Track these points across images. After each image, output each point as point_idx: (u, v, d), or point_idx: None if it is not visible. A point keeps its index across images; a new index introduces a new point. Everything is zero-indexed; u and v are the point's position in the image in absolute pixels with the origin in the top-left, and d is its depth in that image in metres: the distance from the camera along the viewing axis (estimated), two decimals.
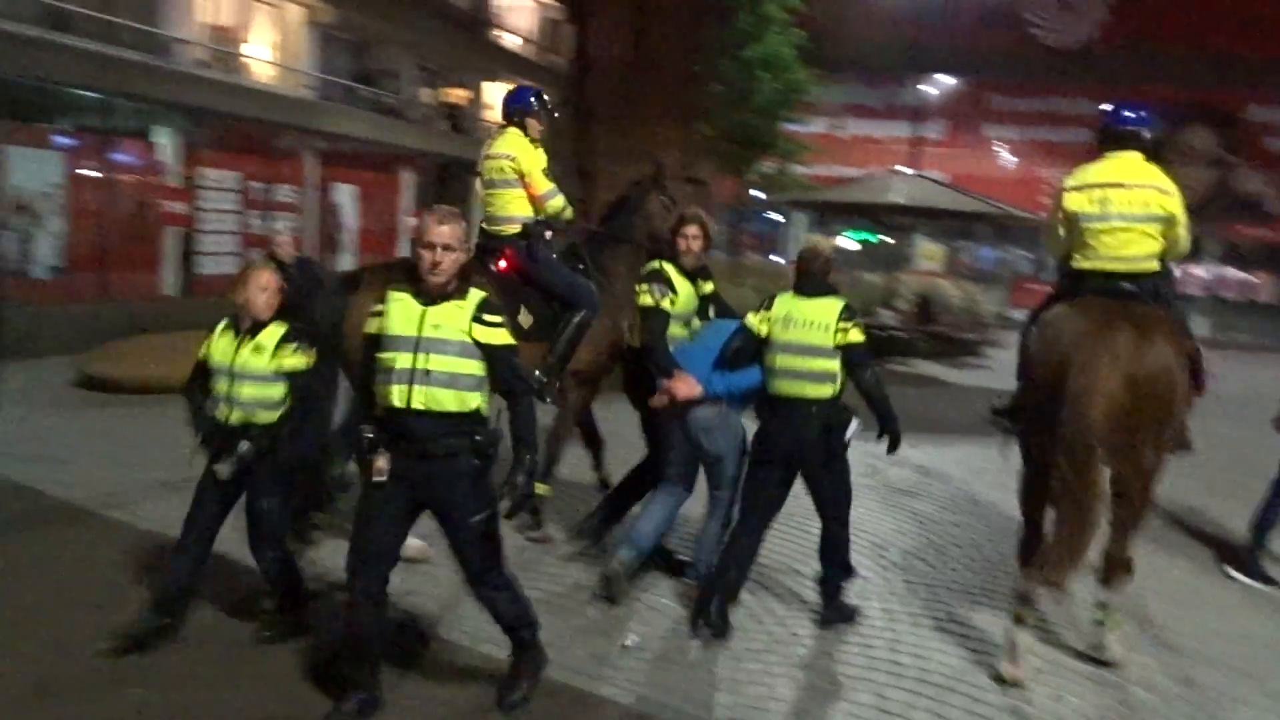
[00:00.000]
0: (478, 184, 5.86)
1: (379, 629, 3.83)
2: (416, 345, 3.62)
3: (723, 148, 17.16)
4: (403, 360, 3.62)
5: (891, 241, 21.57)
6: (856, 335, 4.58)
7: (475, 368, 3.68)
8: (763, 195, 17.78)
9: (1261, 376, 14.17)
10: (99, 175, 14.78)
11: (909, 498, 7.46)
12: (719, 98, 16.96)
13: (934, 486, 7.87)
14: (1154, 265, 4.57)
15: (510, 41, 28.68)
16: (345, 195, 21.48)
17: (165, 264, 15.98)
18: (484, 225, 5.82)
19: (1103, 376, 4.11)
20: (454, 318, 3.67)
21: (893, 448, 4.70)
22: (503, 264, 5.63)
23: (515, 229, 5.64)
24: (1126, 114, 4.90)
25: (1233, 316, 26.73)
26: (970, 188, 23.86)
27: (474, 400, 3.70)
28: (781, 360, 4.63)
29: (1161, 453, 4.44)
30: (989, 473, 8.38)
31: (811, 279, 4.72)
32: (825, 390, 4.58)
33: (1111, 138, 4.80)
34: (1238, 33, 26.36)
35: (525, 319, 5.40)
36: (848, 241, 28.24)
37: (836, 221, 28.45)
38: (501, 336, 3.73)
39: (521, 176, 5.58)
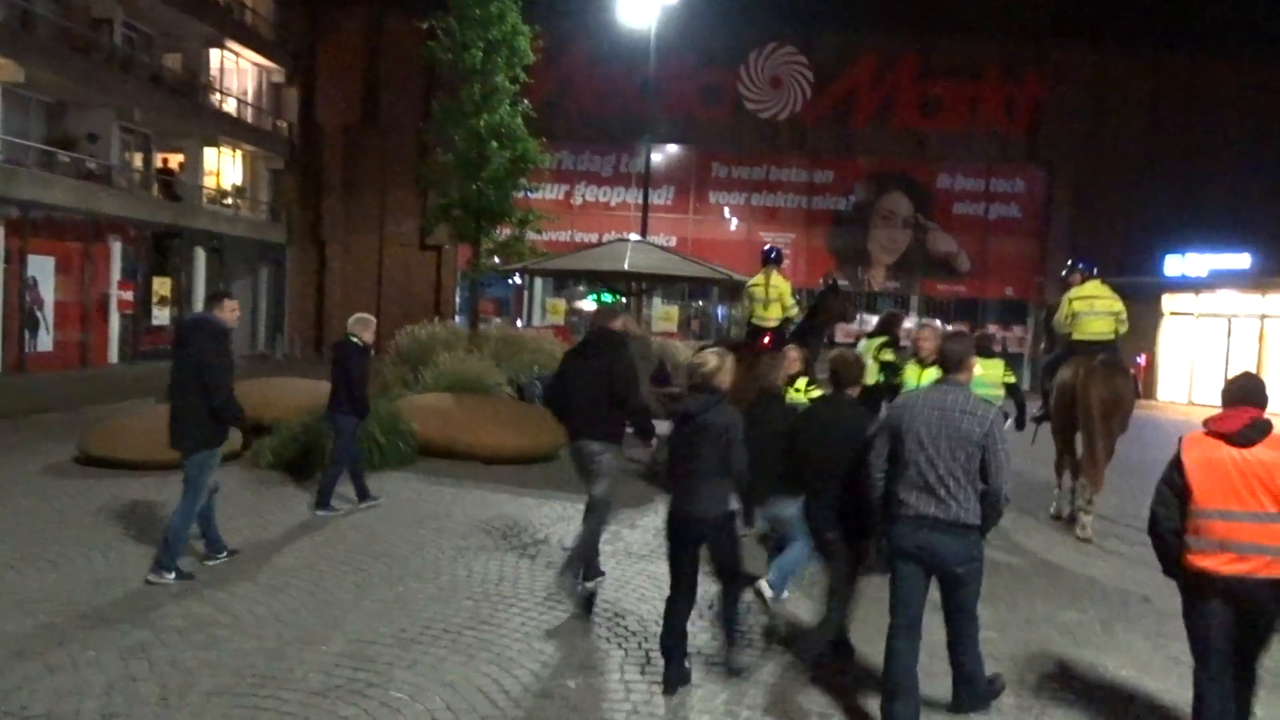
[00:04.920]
0: (746, 297, 10.65)
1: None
2: None
3: (457, 215, 17.05)
4: None
5: (624, 302, 22.14)
6: (1011, 376, 8.34)
7: None
8: (497, 261, 17.78)
9: None
10: None
11: (646, 561, 7.55)
12: (451, 167, 16.89)
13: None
14: (1112, 336, 9.25)
15: (230, 105, 27.43)
16: (41, 267, 19.62)
17: None
18: (752, 320, 10.48)
19: (1102, 393, 8.80)
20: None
21: (1020, 426, 8.58)
22: (766, 340, 9.96)
23: (773, 324, 10.19)
24: (1091, 262, 9.71)
25: None
26: (699, 251, 25.15)
27: None
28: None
29: (1123, 426, 9.10)
30: None
31: (989, 349, 8.39)
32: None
33: (1085, 273, 9.47)
34: (920, 113, 29.43)
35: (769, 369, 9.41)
36: (589, 304, 28.83)
37: (578, 284, 29.07)
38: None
39: (780, 298, 10.23)
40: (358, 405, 8.54)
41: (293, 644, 5.47)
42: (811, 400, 7.21)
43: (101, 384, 18.40)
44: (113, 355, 22.07)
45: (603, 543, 8.03)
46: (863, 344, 9.60)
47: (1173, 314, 26.89)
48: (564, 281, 29.14)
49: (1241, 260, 24.94)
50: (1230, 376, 4.50)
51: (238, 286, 28.04)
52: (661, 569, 7.34)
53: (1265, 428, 4.12)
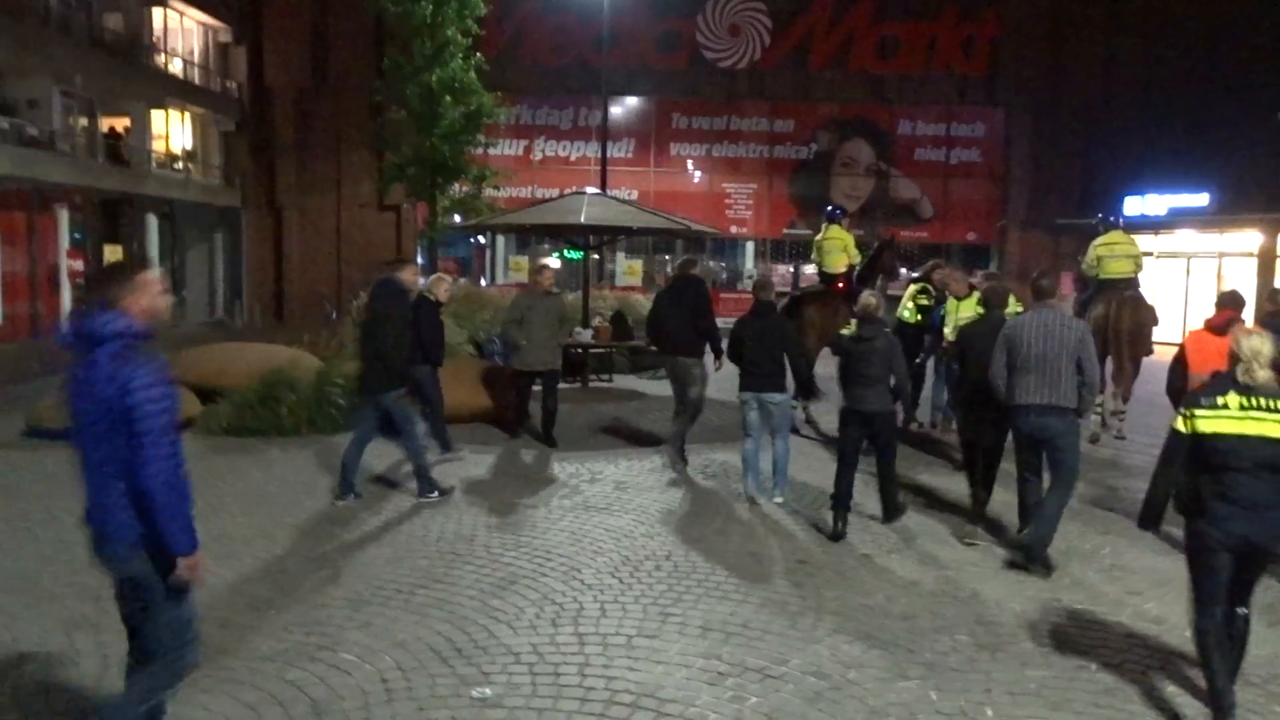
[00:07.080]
0: (815, 249, 11.67)
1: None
2: None
3: (413, 173, 16.78)
4: None
5: (595, 258, 21.94)
6: (1020, 305, 8.87)
7: None
8: (457, 219, 17.51)
9: None
10: None
11: (604, 514, 7.50)
12: (404, 124, 16.58)
13: (630, 500, 7.97)
14: (1133, 274, 11.05)
15: (176, 66, 26.73)
16: None
17: None
18: (821, 269, 11.67)
19: (1126, 323, 10.56)
20: None
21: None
22: (839, 285, 11.28)
23: (840, 270, 11.38)
24: (1120, 216, 12.22)
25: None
26: (661, 203, 24.94)
27: None
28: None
29: (1146, 350, 10.79)
30: (684, 482, 8.64)
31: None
32: None
33: (1111, 224, 11.32)
34: (878, 56, 29.22)
35: (848, 311, 9.76)
36: (554, 261, 28.58)
37: (541, 242, 28.75)
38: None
39: (844, 249, 11.41)
40: (430, 355, 9.21)
41: (243, 612, 5.38)
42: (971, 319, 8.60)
43: (55, 355, 18.03)
44: (66, 326, 21.65)
45: (561, 496, 8.04)
46: (909, 290, 11.54)
47: None
48: (527, 239, 28.81)
49: (1200, 199, 25.07)
50: (1221, 290, 7.37)
51: (192, 253, 27.54)
52: (619, 522, 7.33)
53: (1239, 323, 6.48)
